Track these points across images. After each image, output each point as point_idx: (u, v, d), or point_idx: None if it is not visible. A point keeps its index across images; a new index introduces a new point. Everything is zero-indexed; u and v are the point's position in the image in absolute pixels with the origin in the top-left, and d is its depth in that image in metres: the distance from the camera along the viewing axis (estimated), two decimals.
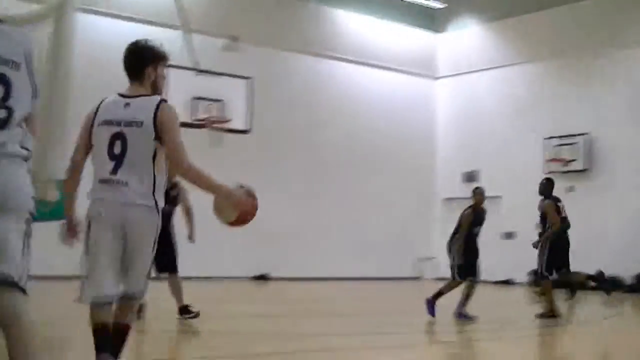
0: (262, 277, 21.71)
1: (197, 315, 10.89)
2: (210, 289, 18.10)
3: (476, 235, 13.41)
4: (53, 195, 20.40)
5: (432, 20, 28.14)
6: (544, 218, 13.95)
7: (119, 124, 5.37)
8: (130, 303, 5.57)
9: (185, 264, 11.32)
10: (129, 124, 5.34)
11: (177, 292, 11.01)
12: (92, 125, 5.56)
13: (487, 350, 10.01)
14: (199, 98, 18.02)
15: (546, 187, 14.10)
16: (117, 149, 5.32)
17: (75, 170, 5.69)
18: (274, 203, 20.56)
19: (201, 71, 18.66)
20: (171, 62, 18.58)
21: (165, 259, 10.51)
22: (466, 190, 26.59)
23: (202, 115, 17.92)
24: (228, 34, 21.93)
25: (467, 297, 12.81)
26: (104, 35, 21.13)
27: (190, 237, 11.56)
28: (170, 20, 20.52)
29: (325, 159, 24.08)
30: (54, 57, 19.92)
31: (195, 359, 8.12)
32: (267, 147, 22.15)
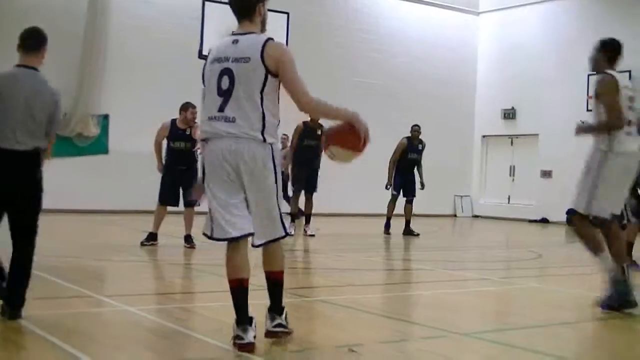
0: (300, 213, 21.79)
1: (193, 246, 11.87)
2: None
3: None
4: (92, 130, 20.68)
5: None
6: None
7: (227, 59, 5.35)
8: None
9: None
10: (237, 60, 5.32)
11: (189, 222, 12.02)
12: (205, 66, 5.50)
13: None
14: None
15: None
16: (224, 85, 5.32)
17: None
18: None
19: None
20: None
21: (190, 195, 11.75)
22: (505, 128, 26.67)
23: None
24: None
25: None
26: None
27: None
28: None
29: (364, 96, 23.93)
30: None
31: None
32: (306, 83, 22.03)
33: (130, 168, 19.93)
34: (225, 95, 5.30)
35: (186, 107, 12.37)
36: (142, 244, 12.00)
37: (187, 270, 10.34)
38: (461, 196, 27.20)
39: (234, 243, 5.30)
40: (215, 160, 5.28)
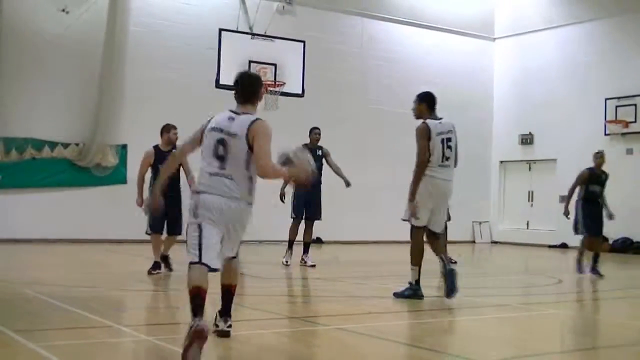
0: (318, 241, 21.81)
1: (171, 269, 12.43)
2: (262, 251, 18.25)
3: None
4: (110, 160, 20.83)
5: None
6: None
7: (222, 131, 6.49)
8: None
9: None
10: (229, 134, 6.45)
11: (169, 245, 12.59)
12: (204, 130, 6.67)
13: None
14: (254, 62, 18.09)
15: None
16: (220, 151, 6.45)
17: (180, 154, 7.48)
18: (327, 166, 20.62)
19: (256, 35, 18.71)
20: (227, 26, 18.76)
21: (177, 224, 12.31)
22: (523, 153, 26.63)
23: None
24: None
25: None
26: (154, 6, 21.19)
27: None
28: None
29: (380, 122, 24.00)
30: (110, 22, 20.19)
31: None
32: (321, 110, 22.12)
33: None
34: (221, 160, 6.43)
35: (168, 128, 12.69)
36: (149, 272, 12.10)
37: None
38: (480, 222, 27.12)
39: (201, 267, 6.20)
40: (213, 208, 6.30)
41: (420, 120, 9.97)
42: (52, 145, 19.60)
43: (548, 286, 13.19)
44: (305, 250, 14.86)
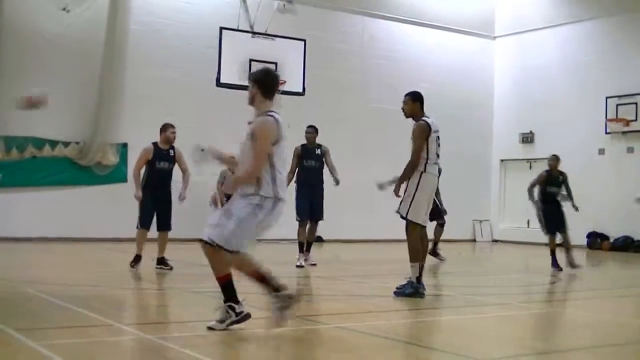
0: (319, 239, 21.80)
1: (171, 268, 12.52)
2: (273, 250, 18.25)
3: None
4: (110, 159, 20.84)
5: None
6: None
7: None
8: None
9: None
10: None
11: (163, 245, 12.79)
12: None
13: None
14: (255, 60, 18.06)
15: None
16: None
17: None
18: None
19: (257, 33, 18.71)
20: (228, 25, 18.73)
21: (166, 218, 12.79)
22: (523, 152, 26.62)
23: None
24: None
25: None
26: (155, 5, 21.21)
27: (181, 196, 12.84)
28: None
29: (381, 121, 23.97)
30: (110, 20, 20.21)
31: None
32: (321, 109, 22.13)
33: None
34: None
35: (165, 127, 12.98)
36: (130, 265, 12.51)
37: (202, 297, 10.33)
38: (480, 221, 27.12)
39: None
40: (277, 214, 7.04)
41: (414, 119, 10.30)
42: (53, 144, 19.60)
43: (548, 285, 13.20)
44: (307, 249, 14.81)
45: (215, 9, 21.26)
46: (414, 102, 10.33)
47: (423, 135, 9.96)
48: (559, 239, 15.52)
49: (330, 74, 23.21)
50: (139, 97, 20.29)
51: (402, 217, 10.03)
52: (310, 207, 14.75)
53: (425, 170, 9.94)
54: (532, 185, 15.83)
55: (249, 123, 7.14)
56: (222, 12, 20.76)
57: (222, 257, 6.89)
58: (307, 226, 14.91)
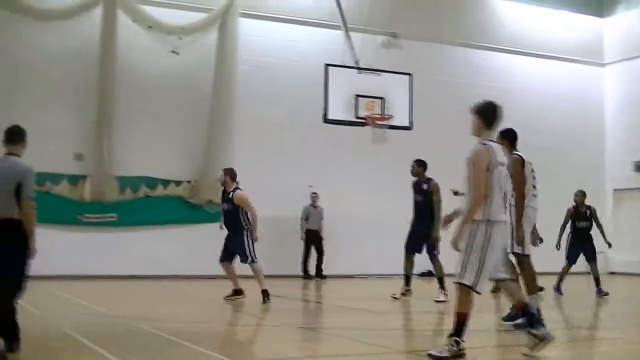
0: (430, 274, 21.64)
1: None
2: (382, 285, 18.19)
3: None
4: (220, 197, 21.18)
5: (598, 4, 27.21)
6: None
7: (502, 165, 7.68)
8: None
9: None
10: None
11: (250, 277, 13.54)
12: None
13: None
14: (361, 95, 18.13)
15: None
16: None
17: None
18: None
19: (363, 69, 18.79)
20: (333, 61, 18.83)
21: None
22: (638, 181, 25.84)
23: (364, 113, 18.02)
24: (387, 30, 21.94)
25: None
26: (267, 38, 21.61)
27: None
28: (331, 21, 20.83)
29: None
30: (219, 61, 20.68)
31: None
32: (428, 143, 21.99)
33: (259, 232, 20.26)
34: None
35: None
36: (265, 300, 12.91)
37: (311, 332, 10.33)
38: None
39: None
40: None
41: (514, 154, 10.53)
42: (165, 183, 20.06)
43: None
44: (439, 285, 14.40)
45: (321, 46, 21.47)
46: (503, 139, 10.70)
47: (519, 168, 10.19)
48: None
49: (437, 106, 23.05)
50: (248, 135, 20.60)
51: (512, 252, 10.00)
52: (420, 240, 14.63)
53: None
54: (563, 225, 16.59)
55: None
56: (328, 48, 20.93)
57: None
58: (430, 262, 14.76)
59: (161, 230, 20.08)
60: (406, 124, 18.82)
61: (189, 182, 20.37)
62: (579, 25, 26.81)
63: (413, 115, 18.95)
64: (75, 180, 19.30)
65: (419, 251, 14.72)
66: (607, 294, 15.79)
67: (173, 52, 20.07)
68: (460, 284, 7.13)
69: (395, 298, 14.29)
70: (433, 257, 14.57)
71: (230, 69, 20.78)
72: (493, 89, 24.85)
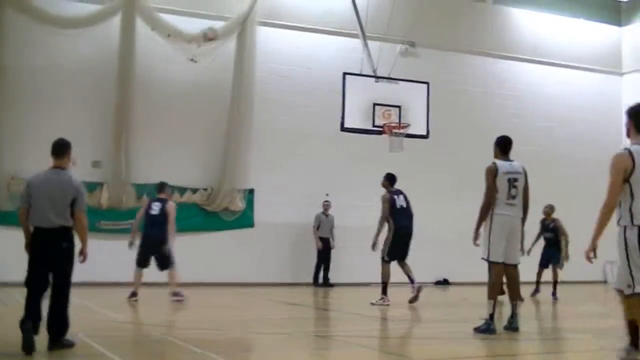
0: (445, 282, 21.65)
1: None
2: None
3: None
4: (238, 204, 21.26)
5: (616, 13, 27.12)
6: None
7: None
8: None
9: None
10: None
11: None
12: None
13: None
14: (378, 104, 18.14)
15: None
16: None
17: None
18: (453, 208, 20.39)
19: (380, 77, 18.80)
20: (351, 70, 18.89)
21: None
22: None
23: (381, 121, 18.04)
24: (405, 39, 21.97)
25: None
26: (286, 47, 21.68)
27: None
28: (349, 30, 20.87)
29: None
30: (237, 70, 20.75)
31: None
32: (445, 151, 21.99)
33: (275, 241, 20.34)
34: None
35: None
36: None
37: (332, 342, 10.33)
38: (612, 261, 26.20)
39: None
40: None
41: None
42: (182, 190, 20.10)
43: None
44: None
45: (338, 55, 21.50)
46: (495, 147, 11.36)
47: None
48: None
49: (455, 115, 23.03)
50: (265, 143, 20.67)
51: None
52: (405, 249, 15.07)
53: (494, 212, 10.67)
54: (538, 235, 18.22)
55: None
56: (345, 57, 20.95)
57: None
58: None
59: (177, 237, 20.04)
60: (423, 132, 18.80)
61: (205, 189, 20.43)
62: (597, 34, 26.71)
63: (430, 124, 18.94)
64: (92, 187, 19.36)
65: None
66: (557, 299, 17.26)
67: (191, 60, 20.13)
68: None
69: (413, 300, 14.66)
70: None
71: (248, 77, 20.85)
72: (510, 97, 24.85)
